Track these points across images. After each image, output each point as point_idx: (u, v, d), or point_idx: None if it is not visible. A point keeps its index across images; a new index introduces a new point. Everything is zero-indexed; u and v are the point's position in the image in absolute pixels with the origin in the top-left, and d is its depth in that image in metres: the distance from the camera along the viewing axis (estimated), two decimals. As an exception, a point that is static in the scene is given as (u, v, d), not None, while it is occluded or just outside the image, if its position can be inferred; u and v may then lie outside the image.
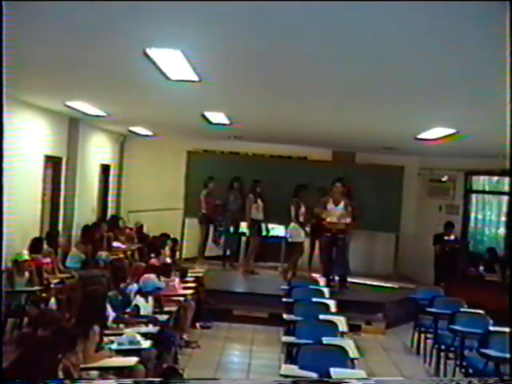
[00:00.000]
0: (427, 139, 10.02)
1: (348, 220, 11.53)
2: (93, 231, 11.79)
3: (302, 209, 12.47)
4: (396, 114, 8.42)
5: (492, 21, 3.82)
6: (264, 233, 13.72)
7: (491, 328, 7.57)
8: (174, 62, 5.67)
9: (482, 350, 6.95)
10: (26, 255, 8.56)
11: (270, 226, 15.45)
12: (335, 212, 11.58)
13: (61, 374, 4.37)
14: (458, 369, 7.77)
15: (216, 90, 7.36)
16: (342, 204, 11.59)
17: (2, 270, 7.46)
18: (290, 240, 12.68)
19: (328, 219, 11.63)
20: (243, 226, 13.95)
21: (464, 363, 7.53)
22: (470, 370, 7.24)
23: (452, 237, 13.20)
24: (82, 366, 5.03)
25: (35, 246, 9.50)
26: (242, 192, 13.54)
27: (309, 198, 12.47)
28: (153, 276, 8.28)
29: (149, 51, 5.31)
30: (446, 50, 4.72)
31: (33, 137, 10.32)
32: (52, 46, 5.58)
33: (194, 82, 6.47)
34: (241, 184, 13.58)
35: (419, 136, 9.93)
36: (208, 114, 9.64)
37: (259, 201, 13.17)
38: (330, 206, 11.63)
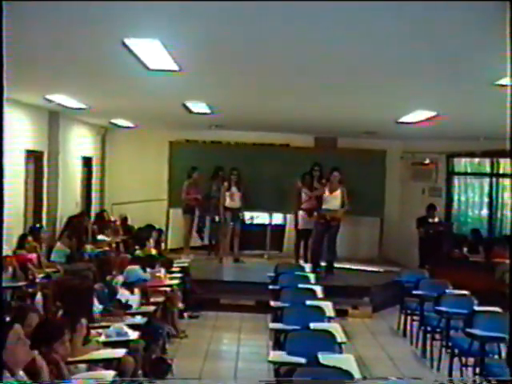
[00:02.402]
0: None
1: (342, 207, 11.65)
2: (77, 223, 11.70)
3: (303, 196, 12.62)
4: (377, 99, 8.43)
5: (474, 8, 3.86)
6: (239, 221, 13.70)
7: (476, 308, 7.65)
8: (153, 52, 5.64)
9: (468, 330, 7.01)
10: (6, 250, 8.52)
11: (256, 214, 15.53)
12: (330, 199, 11.65)
13: (45, 368, 4.34)
14: (444, 349, 7.84)
15: (196, 79, 7.35)
16: (338, 192, 11.65)
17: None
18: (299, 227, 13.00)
19: (323, 206, 11.71)
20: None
21: (450, 343, 7.60)
22: (456, 350, 7.31)
23: (436, 219, 13.30)
24: (69, 359, 5.02)
25: (21, 242, 9.46)
26: (224, 181, 13.48)
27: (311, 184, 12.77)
28: (136, 267, 8.26)
29: (127, 41, 5.28)
30: (426, 35, 4.74)
31: (13, 132, 10.21)
32: (29, 39, 5.53)
33: (173, 71, 6.45)
34: (224, 173, 13.52)
35: (400, 120, 9.98)
36: (189, 104, 9.62)
37: (234, 189, 13.12)
38: (326, 193, 11.69)
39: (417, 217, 13.43)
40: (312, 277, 9.73)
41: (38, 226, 11.01)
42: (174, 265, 10.43)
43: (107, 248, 11.42)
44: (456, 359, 7.28)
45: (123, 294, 7.51)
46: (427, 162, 14.41)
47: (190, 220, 13.61)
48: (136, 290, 7.74)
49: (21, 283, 8.40)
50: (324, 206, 11.74)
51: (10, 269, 8.43)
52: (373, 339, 9.50)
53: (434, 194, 14.25)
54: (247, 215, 15.22)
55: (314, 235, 12.31)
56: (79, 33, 5.23)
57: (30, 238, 9.69)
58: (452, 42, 4.95)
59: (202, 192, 13.44)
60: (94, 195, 15.14)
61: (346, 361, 5.48)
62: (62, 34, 5.28)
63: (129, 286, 7.70)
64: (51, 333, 4.68)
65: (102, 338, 5.97)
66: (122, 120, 13.43)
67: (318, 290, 8.56)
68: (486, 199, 13.83)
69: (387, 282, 11.67)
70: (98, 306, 6.77)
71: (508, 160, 11.88)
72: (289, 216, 14.83)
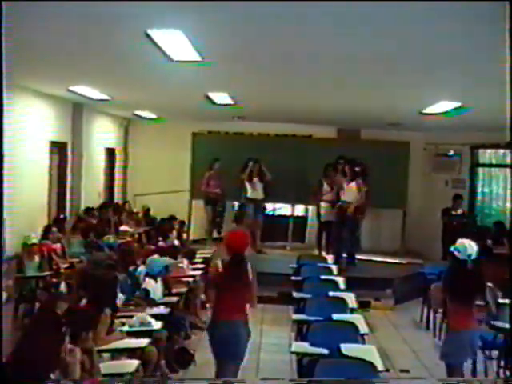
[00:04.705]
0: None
1: (360, 199, 11.58)
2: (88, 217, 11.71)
3: (325, 187, 12.62)
4: (401, 89, 8.37)
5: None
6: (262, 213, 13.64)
7: (500, 300, 7.58)
8: (175, 43, 5.65)
9: (492, 322, 6.96)
10: (33, 238, 8.62)
11: (278, 205, 15.50)
12: (347, 192, 11.61)
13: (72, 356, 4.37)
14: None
15: (219, 69, 7.33)
16: (353, 184, 11.60)
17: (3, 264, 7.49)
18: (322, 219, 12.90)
19: (341, 198, 11.69)
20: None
21: (474, 336, 7.53)
22: (480, 343, 7.24)
23: (459, 211, 13.19)
24: (94, 348, 5.06)
25: (46, 232, 9.54)
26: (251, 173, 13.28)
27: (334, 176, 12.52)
28: (157, 256, 8.30)
29: (150, 32, 5.29)
30: (451, 24, 4.69)
31: (37, 123, 10.32)
32: (54, 32, 5.57)
33: (196, 62, 6.45)
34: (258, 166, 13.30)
35: (424, 111, 9.90)
36: (212, 95, 9.62)
37: (256, 180, 13.08)
38: (345, 186, 11.67)
39: (439, 209, 13.32)
40: (334, 268, 9.72)
41: (62, 216, 11.11)
42: (197, 256, 10.46)
43: (129, 239, 11.49)
44: (480, 352, 7.22)
45: (149, 283, 7.56)
46: (451, 153, 14.29)
47: (212, 211, 13.63)
48: (159, 280, 7.79)
49: (46, 273, 8.50)
50: (342, 198, 11.71)
51: (37, 258, 8.54)
52: (395, 331, 9.46)
53: (457, 185, 14.13)
54: (269, 206, 15.19)
55: (333, 227, 12.29)
56: (103, 24, 5.24)
57: (54, 229, 9.76)
58: (475, 33, 4.90)
59: (222, 185, 13.42)
60: (117, 186, 15.25)
61: (368, 352, 5.47)
62: (85, 25, 5.29)
63: (152, 276, 7.75)
64: (80, 324, 4.72)
65: (126, 328, 6.03)
66: (145, 111, 13.48)
67: (341, 281, 8.56)
68: (510, 191, 13.68)
69: (410, 273, 11.61)
70: (120, 297, 6.83)
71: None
72: (311, 207, 14.78)
